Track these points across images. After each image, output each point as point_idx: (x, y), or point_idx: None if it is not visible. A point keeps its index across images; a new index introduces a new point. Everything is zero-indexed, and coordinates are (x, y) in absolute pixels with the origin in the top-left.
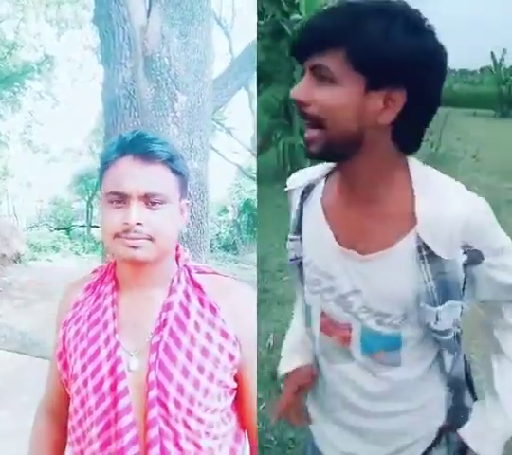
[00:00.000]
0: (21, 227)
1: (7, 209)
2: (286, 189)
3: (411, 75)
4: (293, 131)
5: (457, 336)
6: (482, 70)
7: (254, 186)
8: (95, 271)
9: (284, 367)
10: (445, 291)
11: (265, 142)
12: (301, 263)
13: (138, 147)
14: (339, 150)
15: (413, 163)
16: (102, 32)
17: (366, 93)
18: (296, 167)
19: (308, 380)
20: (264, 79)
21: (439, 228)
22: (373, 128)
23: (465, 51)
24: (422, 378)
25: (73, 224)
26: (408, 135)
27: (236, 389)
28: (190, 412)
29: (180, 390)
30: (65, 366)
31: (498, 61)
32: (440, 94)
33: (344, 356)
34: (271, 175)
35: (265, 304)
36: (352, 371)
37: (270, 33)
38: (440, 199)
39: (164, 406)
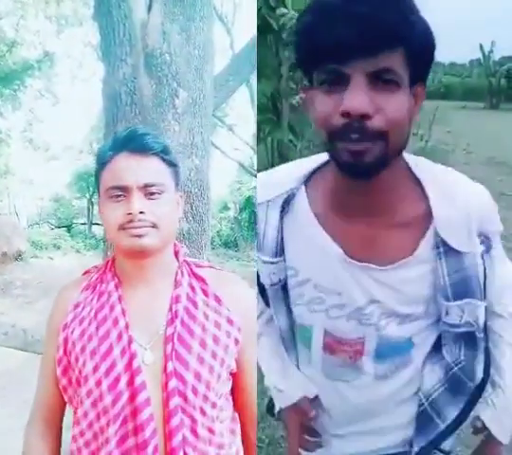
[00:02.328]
0: (22, 225)
1: (8, 207)
2: (258, 201)
3: (430, 68)
4: (281, 126)
5: (471, 334)
6: (471, 63)
7: (255, 183)
8: (86, 272)
9: (281, 403)
10: (462, 288)
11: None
12: (283, 286)
13: (132, 143)
14: (390, 161)
15: (408, 159)
16: (103, 29)
17: (409, 93)
18: (286, 162)
19: (310, 413)
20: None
21: (456, 222)
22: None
23: (454, 44)
24: (425, 374)
25: (74, 221)
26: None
27: (236, 374)
28: (206, 398)
29: (197, 377)
30: (66, 371)
31: (487, 53)
32: None
33: (352, 373)
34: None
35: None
36: (362, 384)
37: (257, 28)
38: (450, 192)
39: (183, 395)
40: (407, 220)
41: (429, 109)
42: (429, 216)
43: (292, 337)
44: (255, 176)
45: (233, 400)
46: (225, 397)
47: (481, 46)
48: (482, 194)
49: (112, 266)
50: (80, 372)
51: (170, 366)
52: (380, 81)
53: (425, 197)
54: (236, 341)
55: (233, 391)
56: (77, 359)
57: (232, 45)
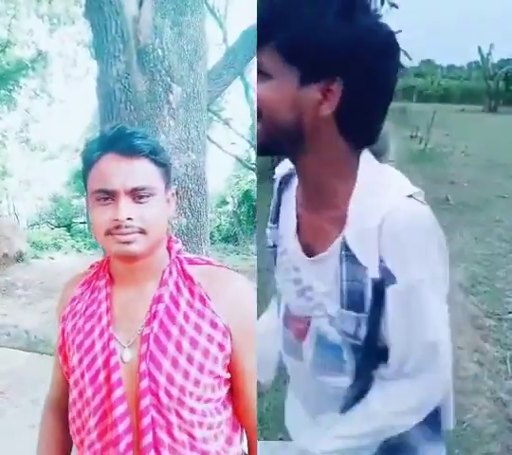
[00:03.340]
0: (22, 226)
1: (7, 208)
2: (274, 176)
3: (348, 63)
4: None
5: (353, 347)
6: (469, 65)
7: (253, 176)
8: (92, 266)
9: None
10: (349, 298)
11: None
12: (275, 252)
13: (120, 143)
14: (280, 143)
15: (364, 158)
16: (95, 26)
17: (302, 85)
18: (281, 158)
19: None
20: None
21: (361, 229)
22: (315, 121)
23: (452, 46)
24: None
25: (73, 221)
26: (354, 126)
27: (231, 379)
28: (181, 402)
29: (170, 380)
30: (65, 359)
31: (485, 56)
32: (391, 82)
33: (297, 353)
34: (264, 171)
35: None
36: (300, 369)
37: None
38: (371, 196)
39: (156, 395)
40: (338, 215)
41: (428, 112)
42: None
43: None
44: (253, 170)
45: (233, 406)
46: (215, 403)
47: (479, 49)
48: (397, 208)
49: (107, 264)
50: (70, 362)
51: (143, 366)
52: (258, 72)
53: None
54: (221, 347)
55: (232, 397)
56: (69, 350)
57: (225, 38)
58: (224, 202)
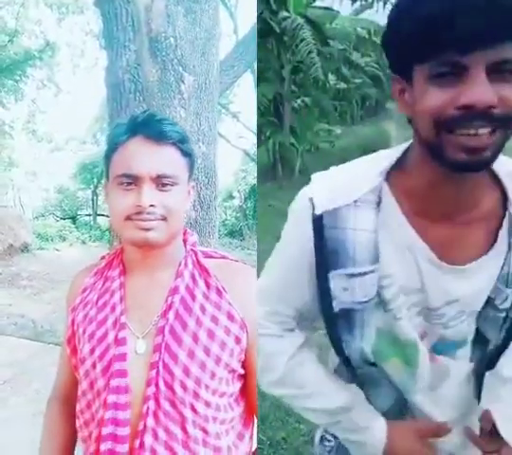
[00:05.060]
0: (27, 218)
1: (13, 199)
2: (334, 206)
3: None
4: (283, 129)
5: (507, 317)
6: None
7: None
8: (103, 257)
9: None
10: None
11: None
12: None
13: (150, 128)
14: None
15: None
16: (105, 15)
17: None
18: (286, 165)
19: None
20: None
21: None
22: None
23: None
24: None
25: (79, 213)
26: None
27: (244, 375)
28: (197, 395)
29: (186, 371)
30: (75, 351)
31: None
32: None
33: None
34: (262, 174)
35: None
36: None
37: (259, 31)
38: None
39: (171, 388)
40: (486, 213)
41: None
42: (502, 206)
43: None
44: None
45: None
46: (228, 398)
47: None
48: None
49: (120, 254)
50: (80, 352)
51: (155, 357)
52: (501, 72)
53: (497, 187)
54: (237, 339)
55: (243, 395)
56: (79, 341)
57: (236, 29)
58: (230, 196)
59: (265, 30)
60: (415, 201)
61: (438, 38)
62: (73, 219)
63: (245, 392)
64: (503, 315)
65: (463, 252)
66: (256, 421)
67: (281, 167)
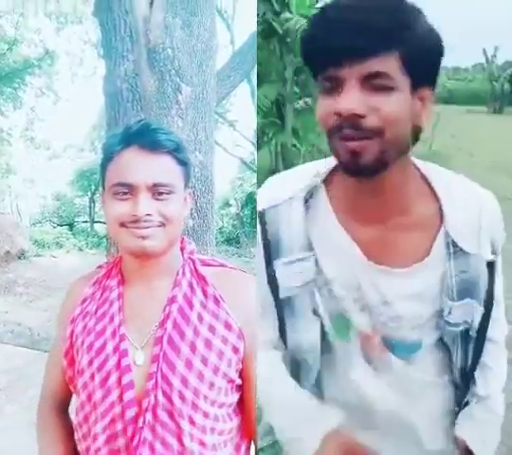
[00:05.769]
0: (24, 224)
1: (10, 206)
2: (273, 203)
3: (437, 71)
4: (285, 130)
5: (466, 332)
6: (474, 67)
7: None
8: (100, 267)
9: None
10: (464, 288)
11: (258, 142)
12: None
13: (144, 137)
14: (390, 161)
15: (416, 162)
16: (103, 25)
17: (411, 96)
18: (288, 167)
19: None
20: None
21: (467, 224)
22: (416, 131)
23: (457, 49)
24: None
25: (76, 220)
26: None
27: (242, 386)
28: (195, 406)
29: (184, 382)
30: (72, 363)
31: (490, 58)
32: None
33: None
34: (265, 175)
35: None
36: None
37: (261, 32)
38: (461, 195)
39: (169, 399)
40: (420, 221)
41: (433, 113)
42: (439, 218)
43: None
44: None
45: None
46: (227, 408)
47: (484, 51)
48: (492, 201)
49: (119, 263)
50: (79, 364)
51: (153, 368)
52: (373, 84)
53: (435, 199)
54: (235, 349)
55: (240, 406)
56: (77, 352)
57: (233, 40)
58: (227, 204)
59: (268, 31)
60: (345, 202)
61: (316, 56)
62: (70, 226)
63: (243, 402)
64: (459, 329)
65: (395, 256)
66: (257, 430)
67: (283, 169)
